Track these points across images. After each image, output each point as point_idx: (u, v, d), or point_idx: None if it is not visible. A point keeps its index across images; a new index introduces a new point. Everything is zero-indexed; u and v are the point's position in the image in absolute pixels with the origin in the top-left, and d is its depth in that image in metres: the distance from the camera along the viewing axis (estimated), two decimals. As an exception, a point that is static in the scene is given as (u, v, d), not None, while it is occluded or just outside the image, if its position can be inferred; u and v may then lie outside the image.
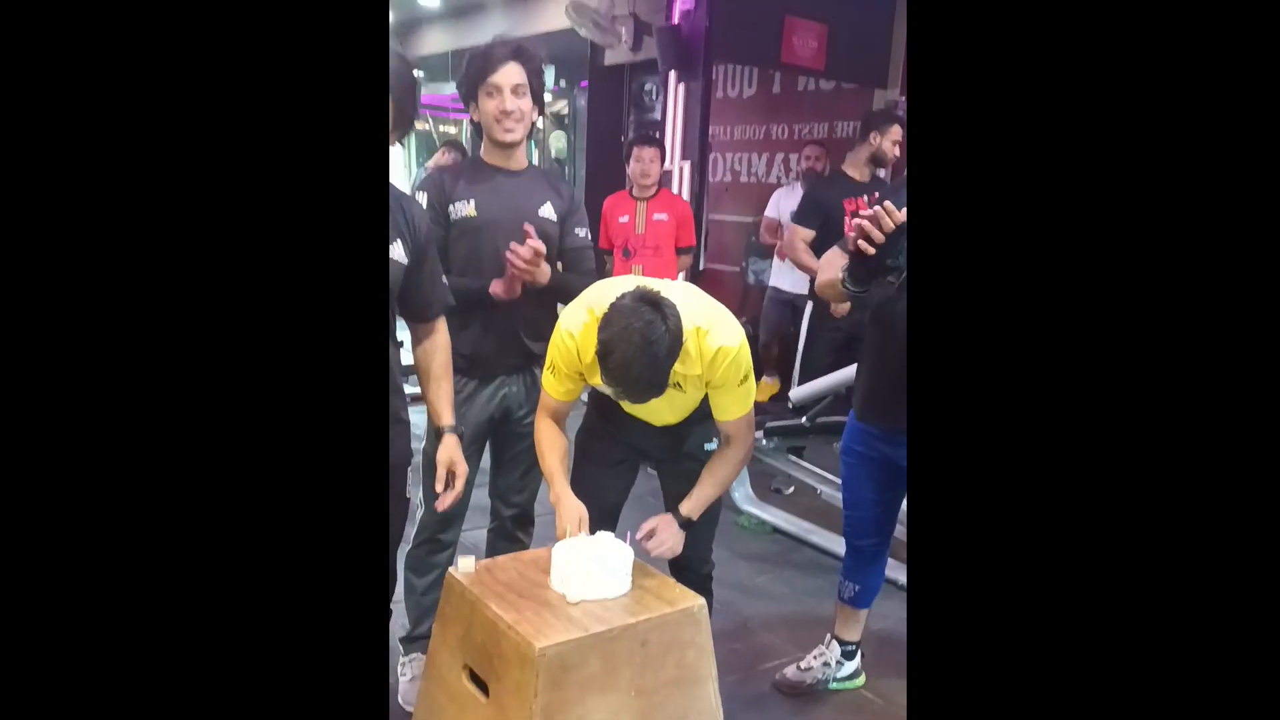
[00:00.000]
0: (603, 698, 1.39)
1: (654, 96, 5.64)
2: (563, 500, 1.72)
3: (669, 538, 1.73)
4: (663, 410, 1.78)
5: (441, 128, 11.36)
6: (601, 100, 5.99)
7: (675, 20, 4.44)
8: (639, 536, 1.70)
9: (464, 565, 1.57)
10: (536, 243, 1.85)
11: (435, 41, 8.52)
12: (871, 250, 1.59)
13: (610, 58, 5.69)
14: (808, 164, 4.53)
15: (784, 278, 4.46)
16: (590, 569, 1.49)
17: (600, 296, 1.61)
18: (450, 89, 9.68)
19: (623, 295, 1.52)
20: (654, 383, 1.51)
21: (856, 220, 1.61)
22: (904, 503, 2.15)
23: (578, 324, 1.66)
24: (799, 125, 5.41)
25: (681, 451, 1.86)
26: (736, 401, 1.71)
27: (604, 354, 1.49)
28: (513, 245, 1.85)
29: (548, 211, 2.01)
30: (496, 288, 1.92)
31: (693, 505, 1.77)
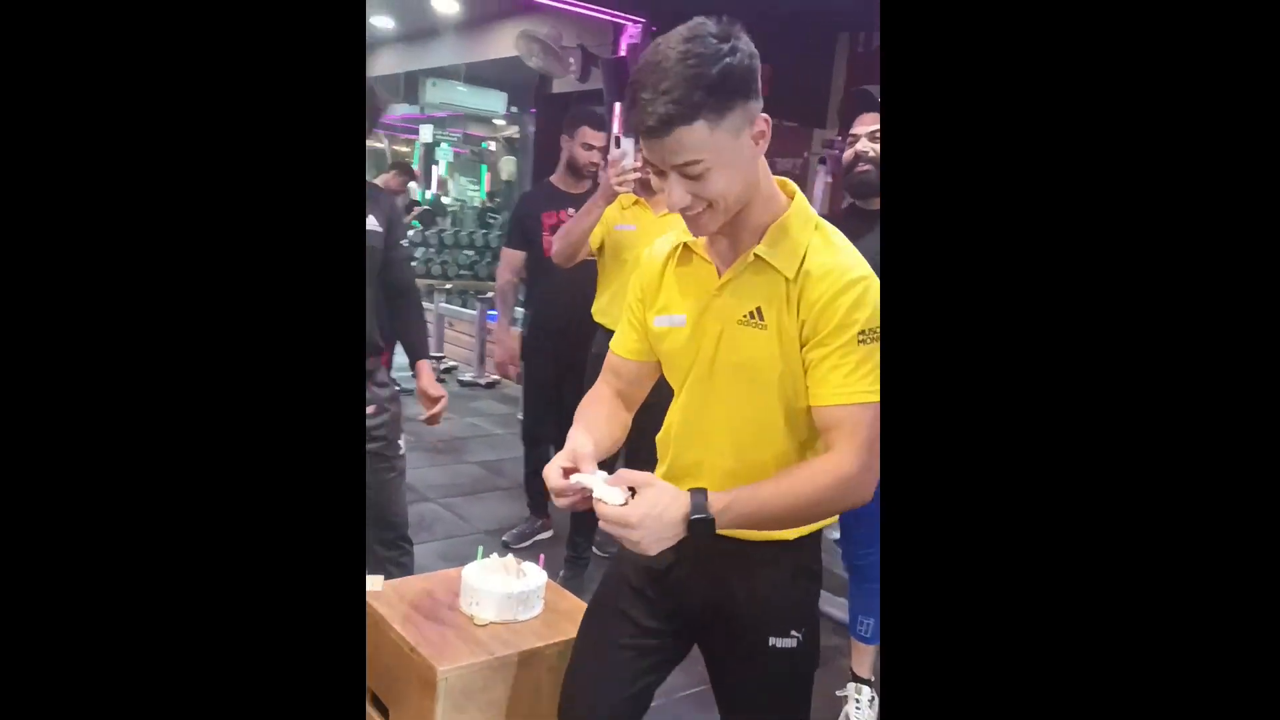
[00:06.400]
0: (506, 723, 1.38)
1: (600, 126, 5.71)
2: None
3: (647, 527, 1.03)
4: (726, 388, 1.18)
5: (394, 146, 11.51)
6: (549, 127, 6.04)
7: (622, 52, 4.52)
8: (610, 481, 1.08)
9: (371, 584, 1.55)
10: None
11: (388, 63, 8.55)
12: None
13: (558, 86, 5.75)
14: None
15: None
16: (500, 590, 1.48)
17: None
18: (403, 109, 9.72)
19: None
20: (683, 99, 1.00)
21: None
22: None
23: (664, 244, 1.27)
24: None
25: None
26: (844, 370, 1.10)
27: (634, 76, 1.06)
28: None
29: None
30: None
31: (730, 498, 1.07)
